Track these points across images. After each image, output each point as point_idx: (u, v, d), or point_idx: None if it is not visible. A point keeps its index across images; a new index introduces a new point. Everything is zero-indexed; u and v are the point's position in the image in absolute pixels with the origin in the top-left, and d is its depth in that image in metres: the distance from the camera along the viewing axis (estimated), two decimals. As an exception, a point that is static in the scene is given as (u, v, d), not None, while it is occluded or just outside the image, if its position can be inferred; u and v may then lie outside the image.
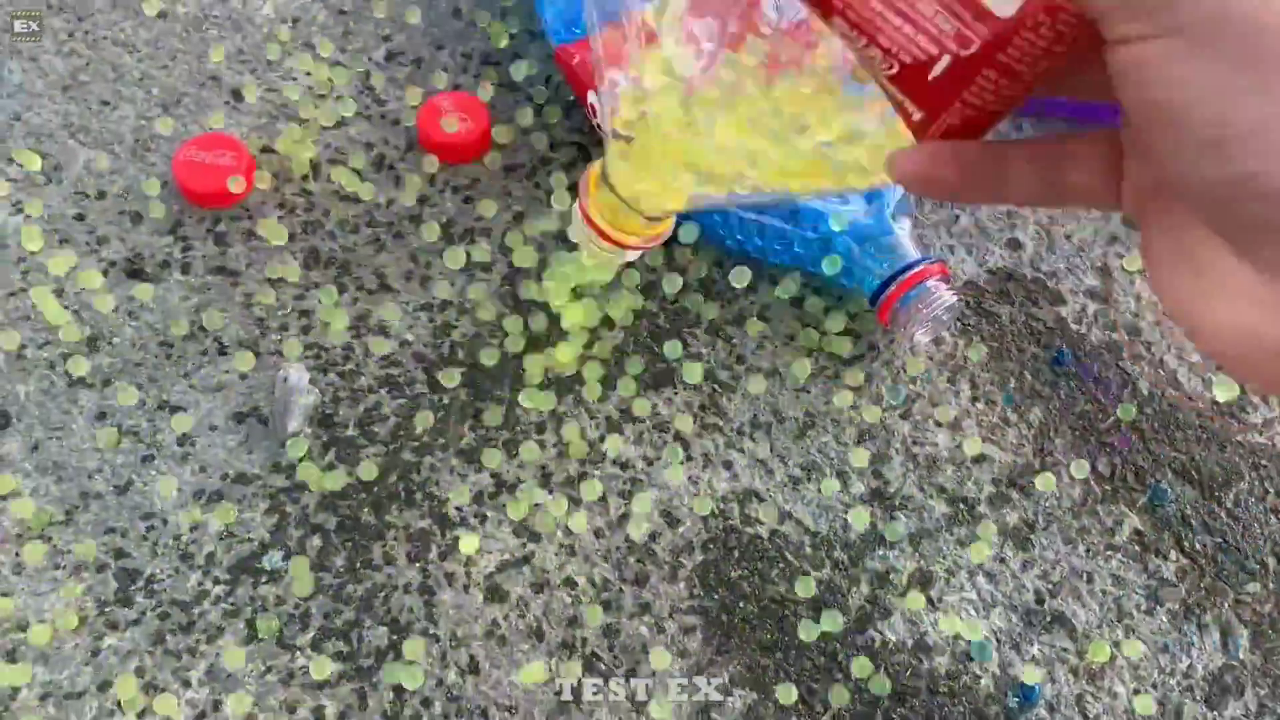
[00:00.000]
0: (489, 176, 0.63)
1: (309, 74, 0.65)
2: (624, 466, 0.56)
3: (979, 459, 0.58)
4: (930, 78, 0.30)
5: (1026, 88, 0.30)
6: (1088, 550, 0.56)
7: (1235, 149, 0.24)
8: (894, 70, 0.31)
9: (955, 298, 0.56)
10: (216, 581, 0.53)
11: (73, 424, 0.56)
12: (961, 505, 0.57)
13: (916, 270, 0.56)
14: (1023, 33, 0.29)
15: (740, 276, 0.60)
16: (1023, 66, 0.29)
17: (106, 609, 0.52)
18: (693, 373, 0.58)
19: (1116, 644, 0.54)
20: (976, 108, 0.31)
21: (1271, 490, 0.58)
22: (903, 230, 0.58)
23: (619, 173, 0.48)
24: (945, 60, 0.30)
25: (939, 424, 0.59)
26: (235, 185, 0.60)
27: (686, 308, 0.60)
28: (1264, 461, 0.59)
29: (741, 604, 0.54)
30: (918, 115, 0.32)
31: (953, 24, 0.29)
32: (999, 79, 0.30)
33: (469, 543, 0.54)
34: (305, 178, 0.62)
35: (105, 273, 0.59)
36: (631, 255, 0.52)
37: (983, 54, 0.29)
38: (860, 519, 0.56)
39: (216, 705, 0.50)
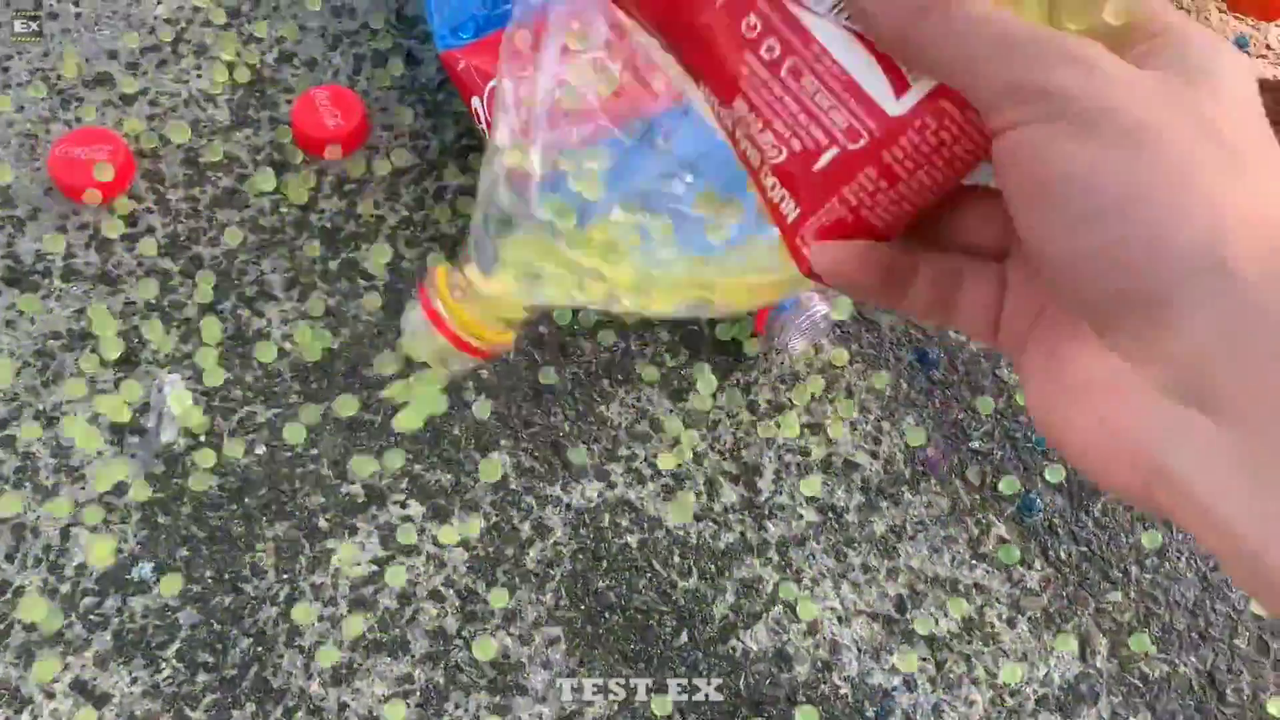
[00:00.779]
0: (376, 181, 0.63)
1: (199, 74, 0.65)
2: (501, 481, 0.57)
3: (850, 466, 0.59)
4: (815, 168, 0.31)
5: (900, 205, 0.31)
6: (953, 559, 0.57)
7: (1104, 218, 0.25)
8: (781, 157, 0.32)
9: (828, 307, 0.56)
10: (85, 593, 0.53)
11: (-54, 434, 0.56)
12: (830, 514, 0.58)
13: None
14: (909, 133, 0.30)
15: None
16: (902, 170, 0.30)
17: (-26, 621, 0.53)
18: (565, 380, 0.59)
19: (976, 653, 0.55)
20: (852, 209, 0.31)
21: (1139, 499, 0.59)
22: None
23: (496, 263, 0.43)
24: (832, 152, 0.31)
25: (813, 432, 0.59)
26: (101, 173, 0.59)
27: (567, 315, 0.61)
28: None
29: (607, 614, 0.55)
30: (793, 214, 0.32)
31: (845, 118, 0.31)
32: (878, 179, 0.31)
33: (339, 554, 0.55)
34: (189, 181, 0.62)
35: (-18, 281, 0.59)
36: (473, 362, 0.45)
37: (868, 150, 0.30)
38: (730, 528, 0.56)
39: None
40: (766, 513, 0.57)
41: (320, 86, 0.63)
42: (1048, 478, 0.59)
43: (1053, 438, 0.28)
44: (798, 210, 0.32)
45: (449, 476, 0.57)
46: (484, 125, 0.61)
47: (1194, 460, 0.24)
